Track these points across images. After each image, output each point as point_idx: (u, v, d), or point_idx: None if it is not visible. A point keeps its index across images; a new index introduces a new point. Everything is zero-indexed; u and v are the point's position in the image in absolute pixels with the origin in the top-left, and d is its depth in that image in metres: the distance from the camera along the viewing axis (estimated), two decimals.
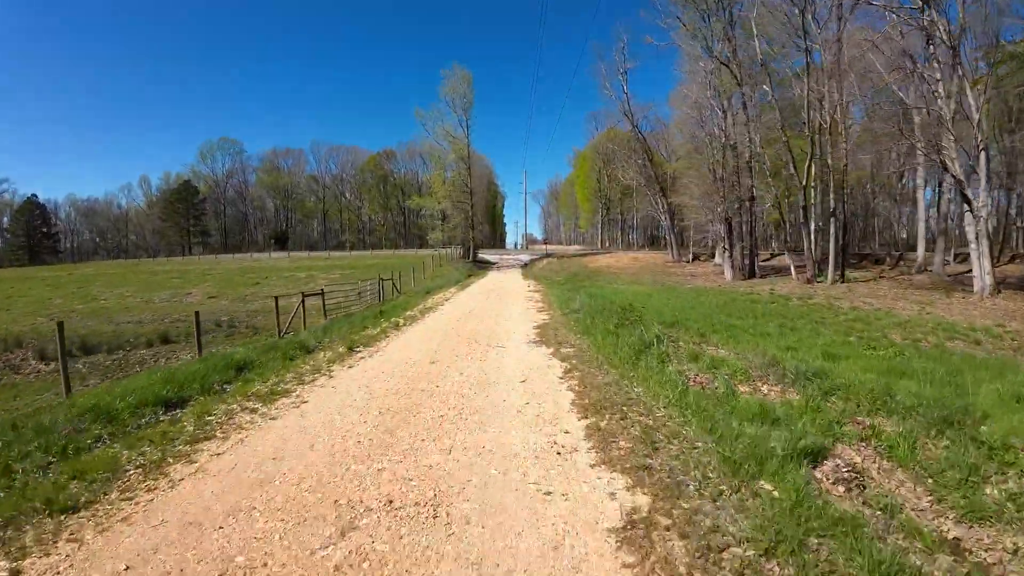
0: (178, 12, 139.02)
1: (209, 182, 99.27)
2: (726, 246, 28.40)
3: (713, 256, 43.59)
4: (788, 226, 30.24)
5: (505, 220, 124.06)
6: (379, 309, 13.97)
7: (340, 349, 8.10)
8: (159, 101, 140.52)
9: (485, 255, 50.17)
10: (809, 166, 23.73)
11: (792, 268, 27.32)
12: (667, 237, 43.26)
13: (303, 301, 14.64)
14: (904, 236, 49.59)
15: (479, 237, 68.98)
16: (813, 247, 25.97)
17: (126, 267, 55.14)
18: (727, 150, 28.98)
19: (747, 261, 30.07)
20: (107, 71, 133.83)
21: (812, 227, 25.79)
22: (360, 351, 8.09)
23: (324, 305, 16.17)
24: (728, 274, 28.61)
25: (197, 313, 10.54)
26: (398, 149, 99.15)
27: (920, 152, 27.95)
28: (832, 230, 25.23)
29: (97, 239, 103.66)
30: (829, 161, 25.14)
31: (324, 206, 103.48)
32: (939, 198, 34.09)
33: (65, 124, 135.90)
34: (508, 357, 7.45)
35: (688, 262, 42.27)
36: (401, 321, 11.75)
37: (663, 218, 43.73)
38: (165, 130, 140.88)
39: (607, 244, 75.06)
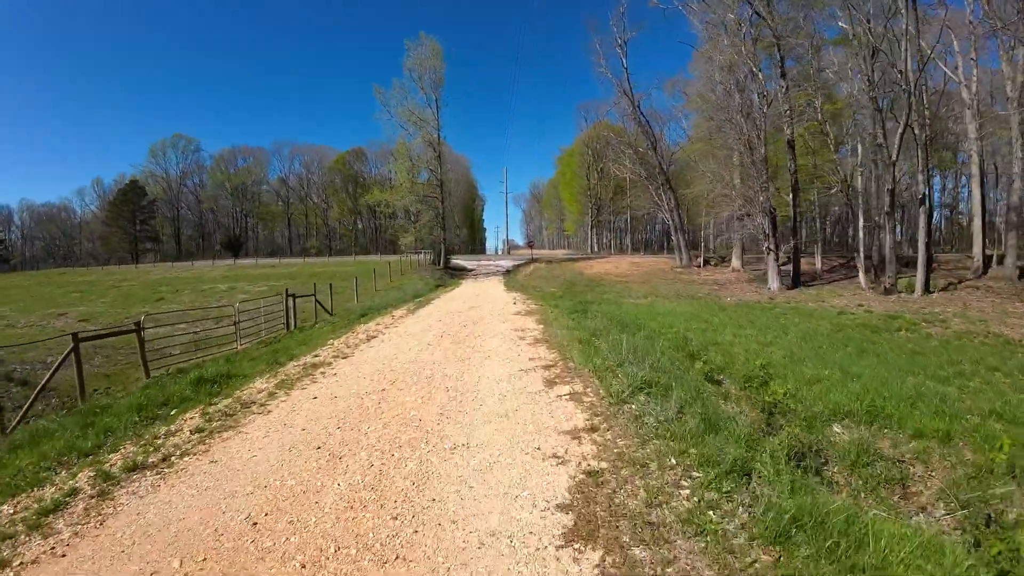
0: (141, 7, 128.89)
1: (162, 183, 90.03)
2: (770, 246, 21.68)
3: (724, 260, 37.13)
4: (858, 219, 23.69)
5: (485, 225, 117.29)
6: (200, 375, 6.62)
7: None
8: (118, 99, 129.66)
9: (461, 261, 42.92)
10: (903, 135, 17.08)
11: (860, 274, 20.70)
12: (674, 238, 36.53)
13: (76, 348, 7.34)
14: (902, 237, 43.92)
15: (455, 241, 61.64)
16: (892, 246, 19.37)
17: (43, 278, 46.50)
18: (763, 123, 22.31)
19: (791, 267, 23.42)
20: (67, 66, 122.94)
21: (894, 219, 19.22)
22: None
23: (143, 354, 8.79)
24: (773, 283, 21.88)
25: None
26: (369, 148, 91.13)
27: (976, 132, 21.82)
28: (921, 223, 18.69)
29: (52, 247, 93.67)
30: (915, 131, 18.63)
31: (289, 209, 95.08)
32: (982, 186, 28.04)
33: (28, 124, 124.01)
34: None
35: (699, 267, 35.61)
36: (183, 439, 4.44)
37: (668, 216, 37.01)
38: (127, 128, 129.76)
39: (596, 248, 68.39)
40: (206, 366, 7.81)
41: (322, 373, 6.64)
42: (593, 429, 4.20)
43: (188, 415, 4.98)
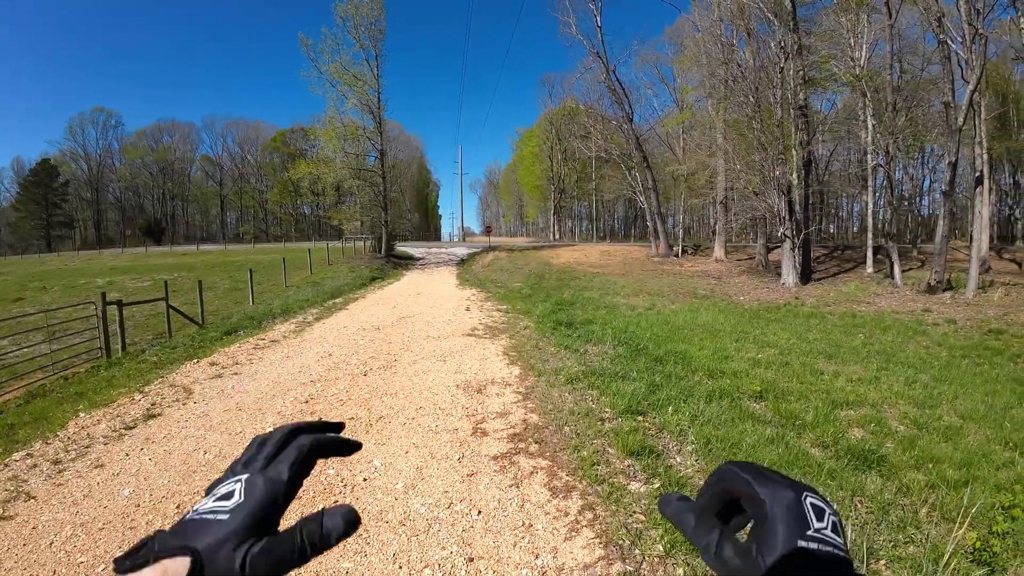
0: None
1: (82, 163, 79.21)
2: (786, 232, 17.69)
3: (698, 249, 33.52)
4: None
5: (440, 212, 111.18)
6: None
7: None
8: (42, 71, 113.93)
9: (408, 248, 37.59)
10: (974, 91, 13.13)
11: (895, 268, 16.95)
12: (651, 224, 32.38)
13: None
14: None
15: (406, 227, 55.67)
16: (946, 235, 15.60)
17: None
18: (778, 80, 18.14)
19: (800, 258, 19.49)
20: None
21: (952, 200, 15.39)
22: None
23: None
24: (789, 277, 17.95)
25: None
26: (314, 126, 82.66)
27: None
28: (979, 207, 15.00)
29: None
30: (980, 94, 14.80)
31: (222, 191, 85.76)
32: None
33: None
34: None
35: (677, 256, 31.83)
36: None
37: (643, 199, 32.83)
38: (54, 103, 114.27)
39: (558, 236, 64.07)
40: None
41: None
42: None
43: None
